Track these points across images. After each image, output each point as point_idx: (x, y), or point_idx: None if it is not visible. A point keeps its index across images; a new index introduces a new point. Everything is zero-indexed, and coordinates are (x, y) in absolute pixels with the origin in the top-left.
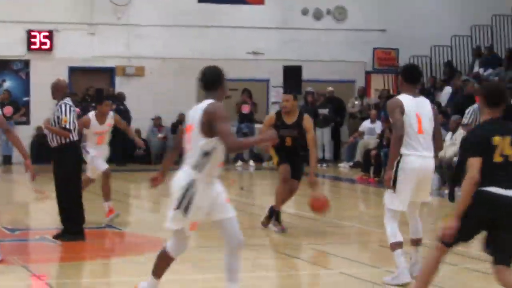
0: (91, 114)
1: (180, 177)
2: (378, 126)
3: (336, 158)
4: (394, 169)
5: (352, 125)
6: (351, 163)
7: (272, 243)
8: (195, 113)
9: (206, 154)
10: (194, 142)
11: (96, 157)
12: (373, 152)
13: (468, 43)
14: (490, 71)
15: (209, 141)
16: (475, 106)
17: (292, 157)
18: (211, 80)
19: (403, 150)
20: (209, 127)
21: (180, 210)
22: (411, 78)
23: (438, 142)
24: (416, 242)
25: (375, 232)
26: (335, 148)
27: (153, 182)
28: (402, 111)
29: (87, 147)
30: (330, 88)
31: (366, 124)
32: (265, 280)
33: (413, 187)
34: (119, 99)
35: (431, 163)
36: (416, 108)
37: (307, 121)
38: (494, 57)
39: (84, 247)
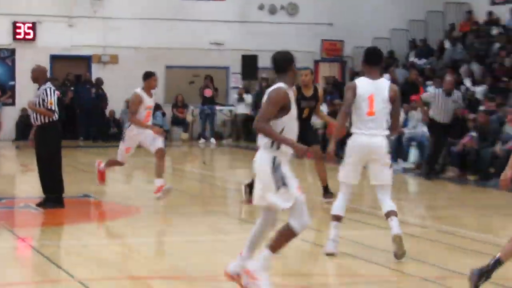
0: (139, 90)
1: (262, 162)
2: (324, 109)
3: None
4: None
5: None
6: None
7: (230, 210)
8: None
9: (280, 132)
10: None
11: (122, 151)
12: (320, 131)
13: (405, 36)
14: (424, 60)
15: (278, 121)
16: (439, 90)
17: (306, 127)
18: (280, 64)
19: (352, 129)
20: (280, 107)
21: (283, 188)
22: (370, 60)
23: (394, 123)
24: (389, 215)
25: (320, 200)
26: None
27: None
28: (354, 93)
29: (127, 133)
30: None
31: None
32: (223, 242)
33: (358, 161)
34: (98, 84)
35: (378, 141)
36: (372, 91)
37: (320, 91)
38: (428, 48)
39: (64, 213)
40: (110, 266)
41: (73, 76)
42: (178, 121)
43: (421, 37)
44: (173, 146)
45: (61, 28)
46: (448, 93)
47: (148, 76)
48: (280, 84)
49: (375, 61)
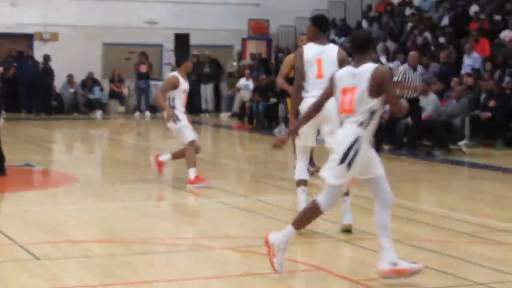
0: (175, 73)
1: (347, 133)
2: (251, 83)
3: (217, 109)
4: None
5: (231, 82)
6: (229, 113)
7: (164, 178)
8: (356, 76)
9: (373, 113)
10: (360, 102)
11: (186, 126)
12: (247, 104)
13: (326, 15)
14: (343, 39)
15: (377, 101)
16: (406, 65)
17: None
18: (364, 43)
19: (303, 94)
20: (378, 89)
21: (344, 164)
22: (318, 25)
23: None
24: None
25: (248, 168)
26: (216, 101)
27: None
28: (301, 59)
29: (177, 113)
30: (207, 52)
31: (242, 81)
32: (156, 208)
33: (311, 125)
34: (46, 60)
35: (329, 103)
36: (319, 55)
37: None
38: (346, 27)
39: (5, 181)
40: (50, 230)
41: (16, 52)
42: (115, 95)
43: (340, 17)
44: (111, 118)
45: (4, 7)
46: (414, 68)
47: (184, 60)
48: (376, 65)
49: (323, 26)
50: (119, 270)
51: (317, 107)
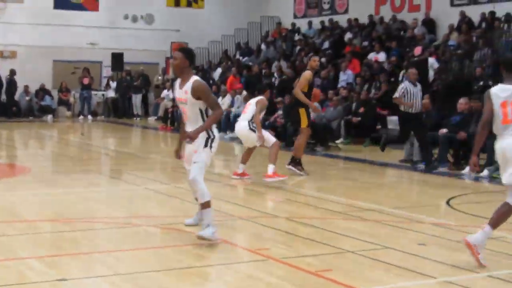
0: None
1: None
2: (171, 94)
3: (146, 114)
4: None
5: (156, 92)
6: (155, 117)
7: (102, 169)
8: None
9: None
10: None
11: (268, 133)
12: (170, 110)
13: (233, 40)
14: (246, 58)
15: None
16: (406, 82)
17: None
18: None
19: None
20: None
21: None
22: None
23: None
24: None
25: (170, 161)
26: (145, 107)
27: None
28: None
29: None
30: (141, 68)
31: (165, 92)
32: (94, 193)
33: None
34: (12, 73)
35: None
36: None
37: None
38: (249, 49)
39: None
40: (5, 212)
41: None
42: (63, 102)
43: (244, 41)
44: (59, 121)
45: None
46: (414, 84)
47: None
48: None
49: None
50: (64, 244)
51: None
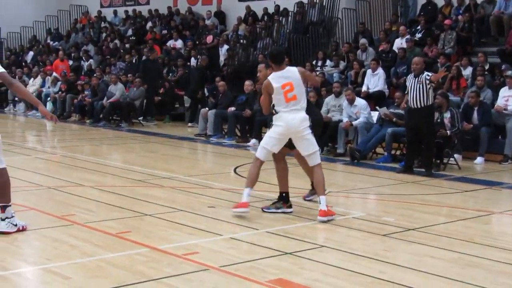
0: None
1: None
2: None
3: None
4: None
5: None
6: None
7: None
8: None
9: None
10: None
11: None
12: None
13: (44, 25)
14: (56, 42)
15: None
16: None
17: None
18: None
19: None
20: None
21: None
22: None
23: None
24: None
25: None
26: None
27: None
28: None
29: None
30: None
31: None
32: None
33: None
34: None
35: None
36: None
37: None
38: (59, 34)
39: None
40: None
41: None
42: None
43: (55, 27)
44: None
45: None
46: (417, 75)
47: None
48: None
49: None
50: None
51: None
